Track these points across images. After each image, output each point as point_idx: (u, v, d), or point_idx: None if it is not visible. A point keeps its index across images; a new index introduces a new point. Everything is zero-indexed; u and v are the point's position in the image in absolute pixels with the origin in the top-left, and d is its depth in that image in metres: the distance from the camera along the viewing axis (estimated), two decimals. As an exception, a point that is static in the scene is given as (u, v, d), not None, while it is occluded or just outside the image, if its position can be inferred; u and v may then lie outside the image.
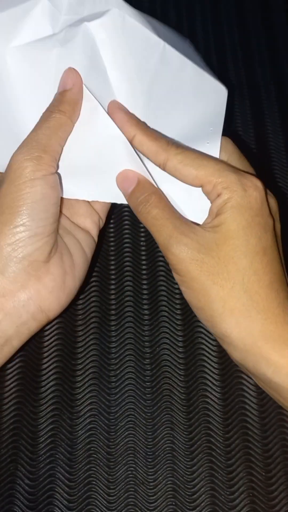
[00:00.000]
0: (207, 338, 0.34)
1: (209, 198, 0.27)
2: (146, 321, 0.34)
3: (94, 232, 0.32)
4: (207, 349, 0.33)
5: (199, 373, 0.33)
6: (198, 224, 0.28)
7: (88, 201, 0.32)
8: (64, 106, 0.27)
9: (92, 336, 0.34)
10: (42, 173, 0.26)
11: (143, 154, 0.29)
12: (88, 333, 0.34)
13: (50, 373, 0.33)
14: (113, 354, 0.33)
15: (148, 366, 0.33)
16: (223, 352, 0.33)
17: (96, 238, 0.32)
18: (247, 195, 0.26)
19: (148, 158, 0.28)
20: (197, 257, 0.26)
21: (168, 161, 0.27)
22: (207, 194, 0.27)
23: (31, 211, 0.26)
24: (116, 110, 0.29)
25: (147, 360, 0.33)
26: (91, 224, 0.32)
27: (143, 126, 0.29)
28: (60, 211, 0.29)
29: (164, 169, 0.28)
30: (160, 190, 0.29)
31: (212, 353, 0.33)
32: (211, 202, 0.27)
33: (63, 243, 0.29)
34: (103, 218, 0.33)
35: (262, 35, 0.47)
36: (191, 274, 0.26)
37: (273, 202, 0.28)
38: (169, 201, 0.28)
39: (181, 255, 0.26)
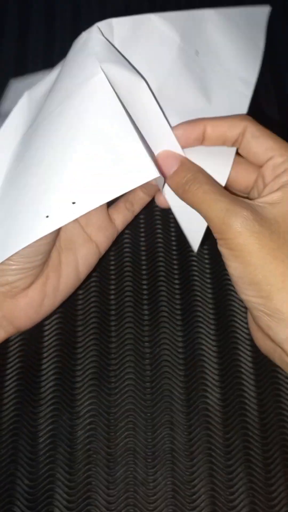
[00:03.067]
0: (207, 339, 0.34)
1: (269, 173, 0.27)
2: (146, 322, 0.34)
3: (103, 247, 0.31)
4: (207, 349, 0.33)
5: (199, 374, 0.33)
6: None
7: (107, 213, 0.31)
8: None
9: (92, 337, 0.34)
10: None
11: (218, 139, 0.28)
12: (88, 333, 0.34)
13: (49, 373, 0.33)
14: (113, 355, 0.33)
15: (148, 366, 0.33)
16: (223, 352, 0.33)
17: (103, 252, 0.31)
18: None
19: (224, 139, 0.28)
20: (258, 229, 0.25)
21: (248, 128, 0.27)
22: (272, 167, 0.27)
23: (21, 251, 0.26)
24: (178, 126, 0.28)
25: (147, 360, 0.33)
26: (103, 238, 0.31)
27: (208, 117, 0.28)
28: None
29: (241, 140, 0.28)
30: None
31: (212, 353, 0.33)
32: (272, 178, 0.27)
33: (56, 262, 0.29)
34: (120, 229, 0.32)
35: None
36: (250, 248, 0.25)
37: None
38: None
39: (241, 228, 0.25)
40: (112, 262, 0.36)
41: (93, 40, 0.27)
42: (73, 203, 0.25)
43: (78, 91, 0.26)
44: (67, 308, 0.35)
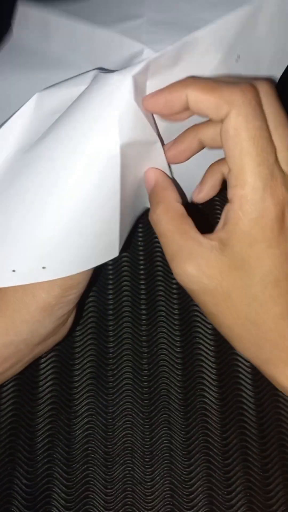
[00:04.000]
0: (205, 338, 0.34)
1: (228, 184, 0.24)
2: (143, 321, 0.34)
3: None
4: (204, 349, 0.33)
5: (196, 373, 0.33)
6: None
7: None
8: None
9: (89, 336, 0.34)
10: None
11: (202, 115, 0.24)
12: (85, 333, 0.34)
13: (47, 372, 0.33)
14: (110, 354, 0.33)
15: (145, 366, 0.33)
16: (221, 352, 0.33)
17: None
18: (262, 223, 0.23)
19: (207, 116, 0.24)
20: (199, 286, 0.24)
21: (226, 118, 0.22)
22: (227, 180, 0.24)
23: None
24: (157, 94, 0.25)
25: (145, 360, 0.33)
26: None
27: (192, 79, 0.24)
28: None
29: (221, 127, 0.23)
30: (176, 191, 0.26)
31: (209, 353, 0.33)
32: (228, 196, 0.24)
33: None
34: None
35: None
36: (196, 300, 0.25)
37: None
38: (184, 209, 0.26)
39: (183, 282, 0.25)
40: (110, 262, 0.36)
41: (120, 101, 0.24)
42: (43, 267, 0.25)
43: (87, 156, 0.24)
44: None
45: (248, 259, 0.23)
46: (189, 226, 0.25)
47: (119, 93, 0.24)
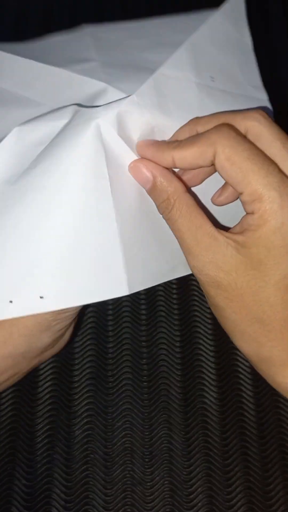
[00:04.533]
0: (204, 338, 0.34)
1: (244, 207, 0.25)
2: (143, 321, 0.34)
3: None
4: (204, 349, 0.33)
5: (196, 373, 0.33)
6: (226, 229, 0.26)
7: None
8: None
9: (89, 336, 0.34)
10: None
11: (191, 168, 0.26)
12: (85, 333, 0.34)
13: (47, 373, 0.33)
14: (110, 354, 0.33)
15: (145, 366, 0.33)
16: (221, 352, 0.33)
17: None
18: (282, 229, 0.23)
19: (197, 167, 0.25)
20: (214, 279, 0.25)
21: (216, 157, 0.24)
22: (244, 203, 0.24)
23: None
24: (142, 149, 0.27)
25: (144, 360, 0.33)
26: None
27: (175, 143, 0.25)
28: None
29: (215, 167, 0.25)
30: (179, 180, 0.26)
31: (209, 353, 0.33)
32: (246, 211, 0.25)
33: None
34: None
35: (260, 36, 0.47)
36: (208, 292, 0.25)
37: None
38: (193, 199, 0.25)
39: (198, 274, 0.25)
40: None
41: (107, 133, 0.26)
42: (41, 297, 0.25)
43: (77, 184, 0.25)
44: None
45: (266, 261, 0.24)
46: (203, 219, 0.25)
47: (104, 126, 0.25)
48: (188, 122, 0.27)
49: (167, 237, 0.27)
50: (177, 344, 0.33)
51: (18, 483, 0.30)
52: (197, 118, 0.27)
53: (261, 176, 0.23)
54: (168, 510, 0.29)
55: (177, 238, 0.26)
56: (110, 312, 0.34)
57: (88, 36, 0.35)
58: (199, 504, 0.29)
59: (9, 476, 0.30)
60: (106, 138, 0.25)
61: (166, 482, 0.30)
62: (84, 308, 0.34)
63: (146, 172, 0.26)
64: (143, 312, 0.34)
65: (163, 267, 0.28)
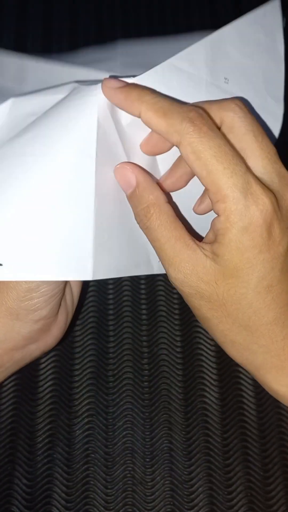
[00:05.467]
0: (205, 338, 0.34)
1: (211, 203, 0.24)
2: (144, 321, 0.34)
3: None
4: (205, 348, 0.33)
5: (197, 373, 0.33)
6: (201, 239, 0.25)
7: None
8: None
9: (90, 336, 0.34)
10: None
11: (154, 131, 0.25)
12: (86, 333, 0.34)
13: (48, 372, 0.33)
14: (111, 354, 0.33)
15: (146, 366, 0.33)
16: (221, 352, 0.33)
17: None
18: (250, 229, 0.23)
19: (155, 138, 0.26)
20: (195, 290, 0.24)
21: (180, 146, 0.23)
22: (210, 199, 0.24)
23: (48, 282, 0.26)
24: (111, 90, 0.25)
25: (145, 360, 0.33)
26: None
27: (149, 97, 0.24)
28: None
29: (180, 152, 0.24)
30: (161, 190, 0.25)
31: (210, 352, 0.33)
32: (214, 210, 0.24)
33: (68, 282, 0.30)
34: None
35: None
36: (191, 304, 0.25)
37: None
38: (173, 209, 0.25)
39: (180, 286, 0.25)
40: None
41: (101, 109, 0.25)
42: (0, 265, 0.24)
43: (62, 154, 0.25)
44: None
45: (241, 266, 0.23)
46: (182, 230, 0.25)
47: (100, 104, 0.25)
48: None
49: (135, 233, 0.26)
50: (178, 344, 0.33)
51: (19, 483, 0.30)
52: None
53: (226, 176, 0.23)
54: (168, 509, 0.29)
55: (155, 248, 0.25)
56: (111, 311, 0.34)
57: (116, 49, 0.36)
58: (200, 504, 0.29)
59: (9, 476, 0.30)
60: (100, 117, 0.25)
61: (166, 482, 0.30)
62: (79, 307, 0.34)
63: (131, 176, 0.25)
64: (144, 311, 0.34)
65: (128, 261, 0.27)
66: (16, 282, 0.26)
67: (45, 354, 0.33)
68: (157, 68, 0.26)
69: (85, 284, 0.35)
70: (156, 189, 0.25)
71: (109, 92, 0.25)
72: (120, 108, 0.25)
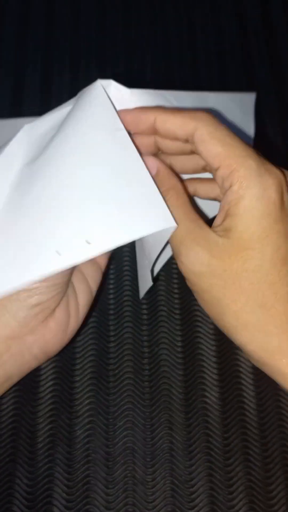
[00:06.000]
0: (206, 338, 0.34)
1: (221, 186, 0.25)
2: (144, 321, 0.34)
3: (103, 263, 0.31)
4: (206, 348, 0.33)
5: (198, 373, 0.33)
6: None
7: None
8: None
9: (90, 336, 0.34)
10: None
11: (169, 135, 0.26)
12: (86, 333, 0.34)
13: (48, 372, 0.33)
14: (111, 354, 0.33)
15: (146, 366, 0.33)
16: (222, 352, 0.33)
17: (103, 269, 0.31)
18: (265, 196, 0.23)
19: (174, 136, 0.26)
20: (208, 268, 0.24)
21: (197, 130, 0.25)
22: (221, 179, 0.25)
23: None
24: (125, 111, 0.27)
25: (146, 359, 0.33)
26: (102, 257, 0.31)
27: (161, 108, 0.26)
28: None
29: (192, 142, 0.25)
30: (181, 182, 0.27)
31: (211, 352, 0.33)
32: (223, 193, 0.25)
33: (71, 284, 0.29)
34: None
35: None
36: (202, 286, 0.25)
37: None
38: (188, 196, 0.26)
39: (191, 265, 0.24)
40: (112, 261, 0.36)
41: (110, 95, 0.27)
42: (88, 242, 0.24)
43: (97, 139, 0.25)
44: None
45: (257, 236, 0.23)
46: (196, 215, 0.25)
47: (106, 90, 0.26)
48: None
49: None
50: (179, 344, 0.33)
51: (20, 483, 0.30)
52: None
53: (240, 149, 0.24)
54: (169, 509, 0.29)
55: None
56: (112, 312, 0.34)
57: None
58: (201, 504, 0.29)
59: (10, 476, 0.30)
60: (112, 99, 0.27)
61: (167, 481, 0.30)
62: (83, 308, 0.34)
63: (154, 162, 0.27)
64: (145, 311, 0.34)
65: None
66: None
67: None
68: (150, 91, 0.29)
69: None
70: (177, 178, 0.27)
71: (125, 112, 0.27)
72: (131, 129, 0.27)
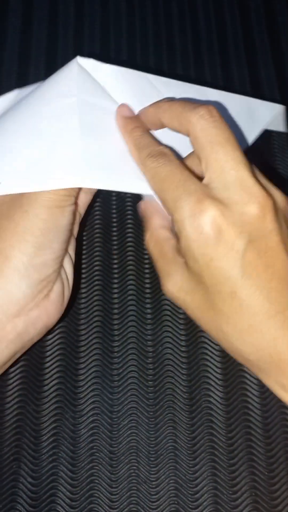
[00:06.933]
0: (209, 337, 0.34)
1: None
2: (148, 320, 0.34)
3: (76, 231, 0.32)
4: (209, 348, 0.33)
5: (201, 372, 0.33)
6: None
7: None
8: None
9: (95, 335, 0.34)
10: (71, 201, 0.27)
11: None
12: (90, 332, 0.34)
13: (53, 371, 0.33)
14: (115, 353, 0.33)
15: (150, 365, 0.33)
16: (226, 352, 0.33)
17: (76, 236, 0.32)
18: (197, 234, 0.24)
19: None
20: (183, 299, 0.27)
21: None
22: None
23: (60, 234, 0.27)
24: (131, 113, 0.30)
25: (150, 359, 0.33)
26: (70, 221, 0.32)
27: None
28: None
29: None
30: (160, 216, 0.28)
31: (214, 352, 0.33)
32: None
33: None
34: (81, 213, 0.32)
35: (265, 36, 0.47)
36: (186, 312, 0.27)
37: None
38: (162, 232, 0.28)
39: (169, 296, 0.27)
40: (115, 261, 0.36)
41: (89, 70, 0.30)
42: None
43: (51, 101, 0.29)
44: (70, 307, 0.35)
45: (202, 274, 0.25)
46: (168, 247, 0.27)
47: (79, 66, 0.29)
48: (153, 105, 0.29)
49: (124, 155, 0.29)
50: (183, 343, 0.33)
51: (24, 481, 0.30)
52: (159, 103, 0.29)
53: (179, 190, 0.25)
54: (173, 509, 0.29)
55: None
56: (116, 311, 0.35)
57: None
58: (204, 503, 0.29)
59: (14, 474, 0.30)
60: (81, 72, 0.29)
61: (171, 481, 0.30)
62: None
63: (142, 205, 0.30)
64: (149, 311, 0.34)
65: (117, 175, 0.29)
66: (32, 236, 0.26)
67: (51, 353, 0.33)
68: (134, 72, 0.30)
69: (90, 283, 0.35)
70: (155, 217, 0.29)
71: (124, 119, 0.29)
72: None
